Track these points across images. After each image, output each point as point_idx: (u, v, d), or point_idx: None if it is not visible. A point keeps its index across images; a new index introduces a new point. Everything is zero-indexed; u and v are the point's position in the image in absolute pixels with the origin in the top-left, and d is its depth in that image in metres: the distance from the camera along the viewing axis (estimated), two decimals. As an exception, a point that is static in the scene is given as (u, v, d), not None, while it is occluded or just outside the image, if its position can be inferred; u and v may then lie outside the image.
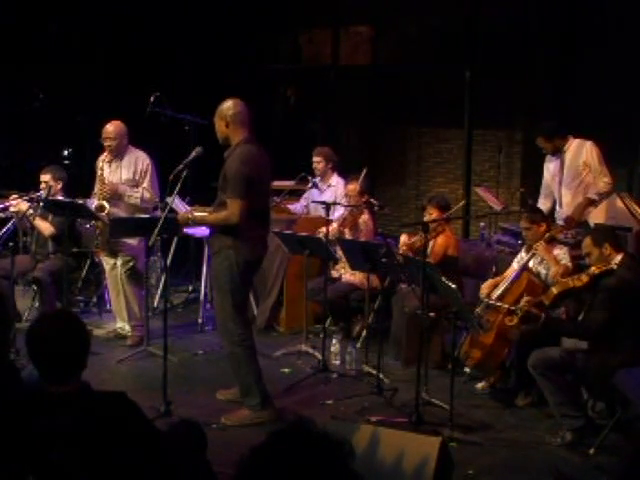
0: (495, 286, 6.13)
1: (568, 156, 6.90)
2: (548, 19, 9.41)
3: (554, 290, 5.42)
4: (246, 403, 5.52)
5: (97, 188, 6.97)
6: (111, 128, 6.96)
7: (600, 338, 5.13)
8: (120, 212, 6.96)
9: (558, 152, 6.95)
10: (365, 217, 7.33)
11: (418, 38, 10.36)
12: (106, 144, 6.96)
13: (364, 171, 7.28)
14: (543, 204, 7.23)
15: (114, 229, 6.75)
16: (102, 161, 7.02)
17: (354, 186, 7.29)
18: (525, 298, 5.56)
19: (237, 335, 5.46)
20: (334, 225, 7.21)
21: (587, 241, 5.37)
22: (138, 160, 7.01)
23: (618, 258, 5.22)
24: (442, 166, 10.52)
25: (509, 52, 9.38)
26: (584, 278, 5.27)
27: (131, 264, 7.03)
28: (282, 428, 2.07)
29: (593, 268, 5.24)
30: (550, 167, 7.11)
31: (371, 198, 7.42)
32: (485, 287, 6.17)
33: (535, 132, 7.13)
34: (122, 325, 7.29)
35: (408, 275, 6.11)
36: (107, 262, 7.18)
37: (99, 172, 6.98)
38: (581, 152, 6.89)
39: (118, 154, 6.99)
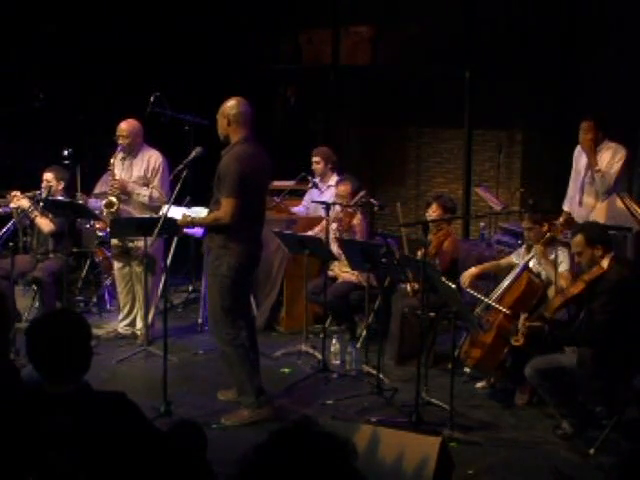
0: (476, 276, 6.20)
1: (599, 158, 6.82)
2: (548, 19, 9.40)
3: (555, 302, 5.37)
4: (242, 402, 5.54)
5: (109, 185, 6.99)
6: (124, 126, 6.96)
7: (599, 341, 5.10)
8: (131, 210, 6.97)
9: (590, 146, 6.80)
10: (359, 217, 7.32)
11: (418, 38, 10.36)
12: (119, 142, 6.96)
13: (352, 180, 7.32)
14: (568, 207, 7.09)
15: (114, 229, 6.74)
16: (114, 158, 7.01)
17: (345, 187, 7.28)
18: (522, 316, 5.46)
19: (225, 334, 5.47)
20: (333, 226, 7.20)
21: (579, 239, 5.19)
22: (151, 159, 7.00)
23: (608, 259, 5.14)
24: (442, 166, 10.51)
25: (509, 52, 9.38)
26: (580, 285, 5.19)
27: (142, 265, 6.98)
28: (285, 427, 2.06)
29: (586, 276, 5.17)
30: (581, 161, 6.95)
31: (371, 198, 7.42)
32: (466, 276, 6.19)
33: (588, 115, 6.90)
34: (125, 324, 7.29)
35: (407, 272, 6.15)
36: (118, 260, 7.17)
37: (110, 168, 6.98)
38: (609, 155, 6.80)
39: (131, 152, 6.99)
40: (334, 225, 7.21)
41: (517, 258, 6.22)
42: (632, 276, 5.18)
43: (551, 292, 5.78)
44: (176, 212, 6.51)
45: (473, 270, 6.27)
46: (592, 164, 6.78)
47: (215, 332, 5.59)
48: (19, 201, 7.20)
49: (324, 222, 7.06)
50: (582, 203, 6.93)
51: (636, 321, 5.09)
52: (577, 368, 5.14)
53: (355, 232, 7.26)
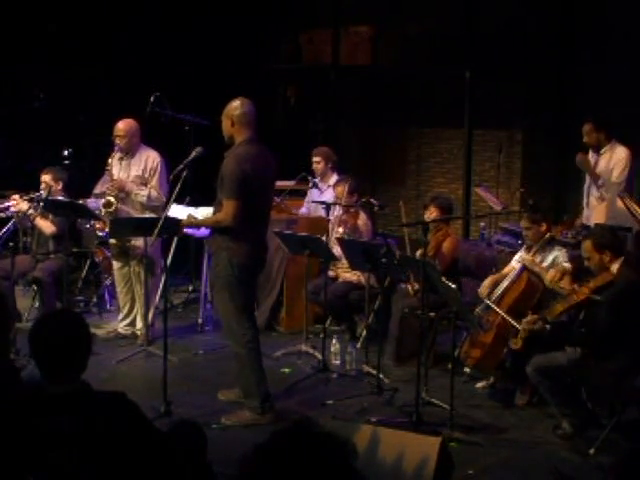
0: (495, 284, 6.14)
1: (603, 160, 6.83)
2: (548, 19, 9.41)
3: (559, 307, 5.33)
4: (247, 404, 5.53)
5: (107, 185, 7.00)
6: (121, 126, 6.94)
7: (602, 344, 5.10)
8: (130, 210, 6.96)
9: (596, 149, 6.84)
10: (363, 217, 7.32)
11: (418, 38, 10.36)
12: (116, 142, 6.95)
13: (349, 180, 7.23)
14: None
15: (114, 229, 6.74)
16: (112, 158, 7.00)
17: (341, 188, 7.27)
18: (525, 319, 5.44)
19: (241, 336, 5.45)
20: (339, 230, 7.20)
21: (587, 245, 5.23)
22: (149, 158, 6.99)
23: (618, 264, 5.13)
24: (442, 166, 10.52)
25: (509, 52, 9.38)
26: (585, 291, 5.18)
27: (141, 265, 6.99)
28: (286, 427, 2.06)
29: (592, 284, 5.16)
30: None
31: (371, 198, 7.42)
32: (485, 286, 6.16)
33: (586, 118, 6.93)
34: (125, 324, 7.29)
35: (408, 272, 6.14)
36: (117, 260, 7.16)
37: (108, 168, 6.97)
38: (613, 157, 6.81)
39: (129, 152, 6.97)
40: (340, 229, 7.21)
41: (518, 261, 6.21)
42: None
43: (551, 274, 5.80)
44: (181, 212, 6.52)
45: (490, 279, 6.19)
46: (593, 177, 6.83)
47: (230, 335, 5.55)
48: (19, 204, 7.20)
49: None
50: (589, 205, 7.00)
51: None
52: (581, 361, 5.13)
53: (361, 233, 7.25)
